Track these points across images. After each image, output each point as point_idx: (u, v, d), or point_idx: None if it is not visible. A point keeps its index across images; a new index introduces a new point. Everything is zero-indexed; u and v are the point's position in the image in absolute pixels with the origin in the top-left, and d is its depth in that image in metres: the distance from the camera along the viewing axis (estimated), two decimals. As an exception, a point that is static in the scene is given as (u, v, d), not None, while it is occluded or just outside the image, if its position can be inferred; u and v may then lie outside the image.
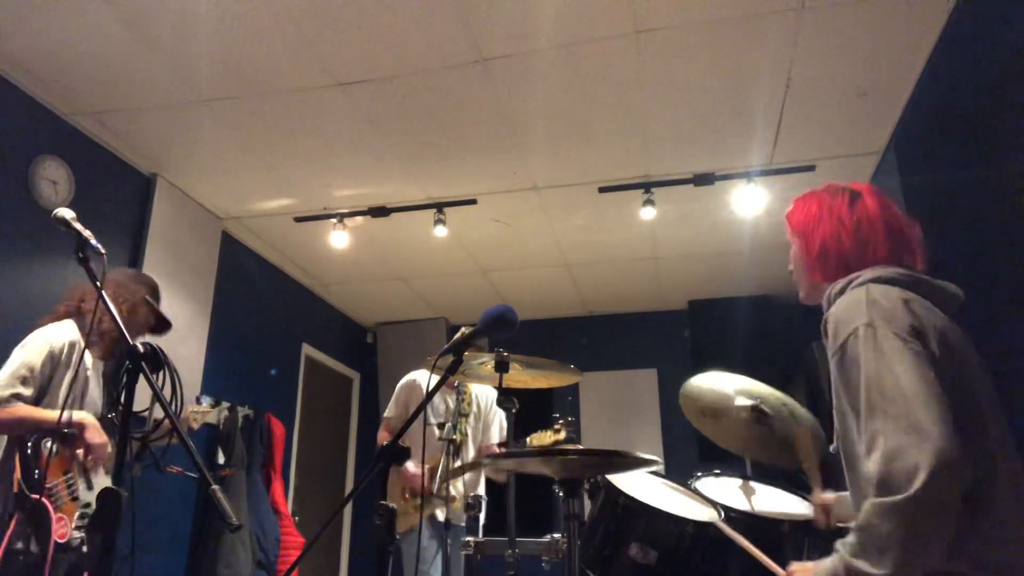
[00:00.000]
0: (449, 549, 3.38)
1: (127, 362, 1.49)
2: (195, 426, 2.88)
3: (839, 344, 1.38)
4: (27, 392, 2.37)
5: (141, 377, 1.50)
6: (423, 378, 3.60)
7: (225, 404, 4.65)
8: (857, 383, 1.33)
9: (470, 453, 3.54)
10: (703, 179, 4.23)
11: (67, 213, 1.79)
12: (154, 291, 2.76)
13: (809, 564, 1.37)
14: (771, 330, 5.62)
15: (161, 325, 2.77)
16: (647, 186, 4.28)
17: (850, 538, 1.28)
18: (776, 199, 4.29)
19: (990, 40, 2.73)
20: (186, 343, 4.38)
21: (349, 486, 6.46)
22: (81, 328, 2.54)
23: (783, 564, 1.61)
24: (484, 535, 2.71)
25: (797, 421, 2.29)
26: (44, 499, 2.25)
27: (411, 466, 3.41)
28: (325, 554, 6.03)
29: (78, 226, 1.78)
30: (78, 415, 2.40)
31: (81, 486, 2.41)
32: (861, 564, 1.23)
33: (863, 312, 1.36)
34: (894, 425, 1.24)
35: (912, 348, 1.30)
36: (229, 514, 1.34)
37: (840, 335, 1.38)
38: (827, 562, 1.31)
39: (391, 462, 1.54)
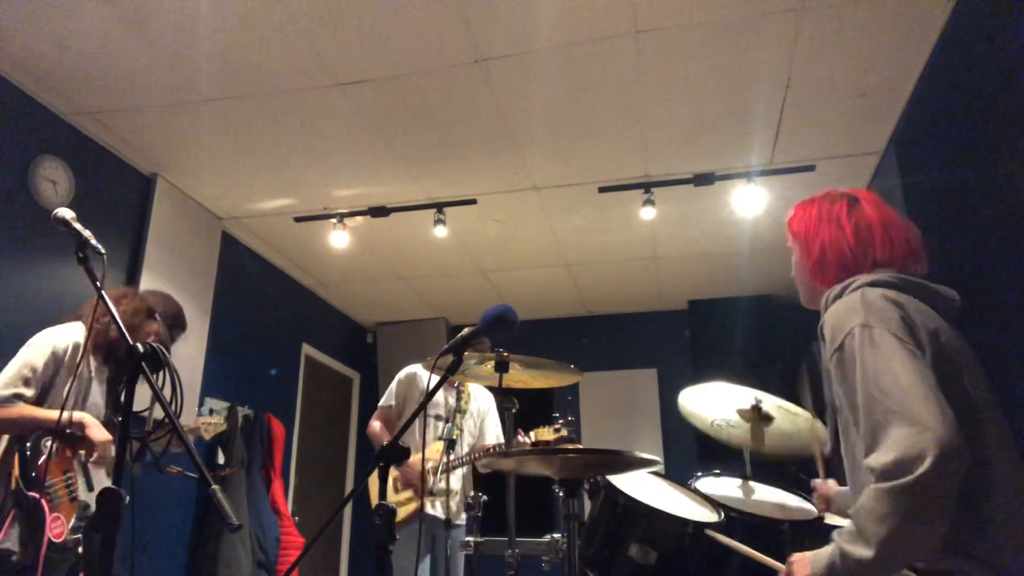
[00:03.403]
0: (449, 549, 3.38)
1: (127, 362, 1.49)
2: (206, 436, 2.91)
3: (837, 344, 1.41)
4: (28, 392, 2.38)
5: (141, 377, 1.50)
6: (422, 372, 3.60)
7: (225, 405, 4.65)
8: (855, 380, 1.36)
9: (464, 451, 3.54)
10: (703, 179, 4.23)
11: (67, 213, 1.78)
12: (175, 315, 2.76)
13: (808, 554, 1.40)
14: (771, 330, 5.63)
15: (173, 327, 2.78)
16: (647, 186, 4.28)
17: (847, 525, 1.31)
18: (776, 199, 4.29)
19: (990, 40, 2.73)
20: (186, 343, 4.37)
21: (349, 486, 6.46)
22: (88, 331, 2.55)
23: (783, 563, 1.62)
24: (482, 532, 2.72)
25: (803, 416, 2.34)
26: (40, 497, 2.24)
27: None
28: (325, 554, 6.03)
29: (78, 226, 1.77)
30: (78, 415, 2.41)
31: (81, 486, 2.40)
32: (853, 548, 1.27)
33: (859, 313, 1.39)
34: (895, 419, 1.27)
35: (907, 346, 1.33)
36: (229, 514, 1.34)
37: (838, 336, 1.41)
38: (824, 550, 1.34)
39: (391, 462, 1.54)
